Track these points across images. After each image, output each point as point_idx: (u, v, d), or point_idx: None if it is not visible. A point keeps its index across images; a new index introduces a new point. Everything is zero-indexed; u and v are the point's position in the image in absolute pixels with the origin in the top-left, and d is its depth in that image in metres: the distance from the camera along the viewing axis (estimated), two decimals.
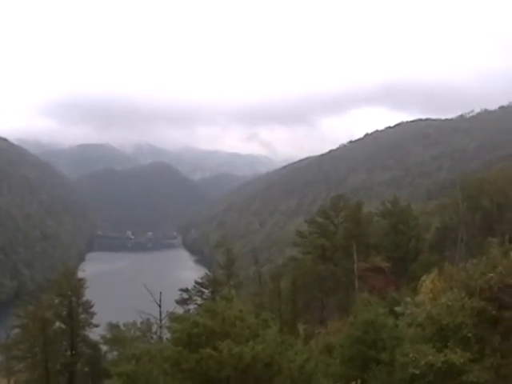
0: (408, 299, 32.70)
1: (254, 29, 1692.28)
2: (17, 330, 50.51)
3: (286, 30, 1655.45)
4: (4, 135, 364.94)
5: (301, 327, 46.61)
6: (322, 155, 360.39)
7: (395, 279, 51.45)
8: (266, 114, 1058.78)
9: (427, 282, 36.53)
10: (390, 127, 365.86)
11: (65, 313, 50.35)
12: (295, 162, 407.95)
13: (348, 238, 56.40)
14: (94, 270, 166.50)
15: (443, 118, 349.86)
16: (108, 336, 49.33)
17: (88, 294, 52.16)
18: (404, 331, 23.33)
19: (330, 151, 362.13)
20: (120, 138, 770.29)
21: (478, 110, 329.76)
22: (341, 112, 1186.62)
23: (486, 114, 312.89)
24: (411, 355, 17.63)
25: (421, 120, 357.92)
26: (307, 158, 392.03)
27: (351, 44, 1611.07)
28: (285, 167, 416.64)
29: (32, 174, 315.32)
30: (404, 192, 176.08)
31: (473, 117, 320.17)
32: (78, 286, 51.11)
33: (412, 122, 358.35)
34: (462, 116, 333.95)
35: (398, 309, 31.25)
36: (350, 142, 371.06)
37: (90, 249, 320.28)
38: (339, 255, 58.07)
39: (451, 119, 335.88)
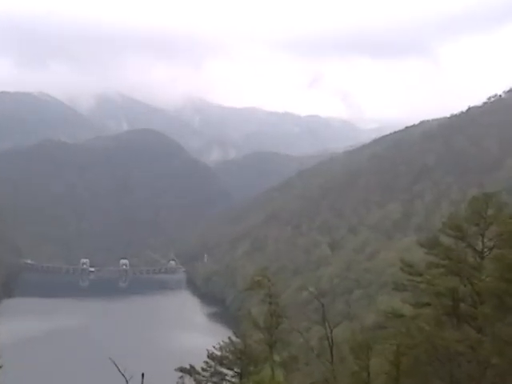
0: None
1: None
2: None
3: None
4: None
5: None
6: (452, 117, 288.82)
7: None
8: (341, 40, 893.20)
9: None
10: None
11: None
12: (398, 132, 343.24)
13: (505, 278, 46.67)
14: (13, 331, 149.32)
15: None
16: None
17: None
18: None
19: (469, 109, 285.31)
20: (66, 82, 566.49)
21: None
22: (487, 30, 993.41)
23: None
24: None
25: None
26: (421, 124, 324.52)
27: None
28: (379, 140, 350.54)
29: None
30: None
31: None
32: None
33: None
34: None
35: None
36: (509, 91, 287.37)
37: (9, 292, 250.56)
38: (487, 311, 48.05)
39: None
